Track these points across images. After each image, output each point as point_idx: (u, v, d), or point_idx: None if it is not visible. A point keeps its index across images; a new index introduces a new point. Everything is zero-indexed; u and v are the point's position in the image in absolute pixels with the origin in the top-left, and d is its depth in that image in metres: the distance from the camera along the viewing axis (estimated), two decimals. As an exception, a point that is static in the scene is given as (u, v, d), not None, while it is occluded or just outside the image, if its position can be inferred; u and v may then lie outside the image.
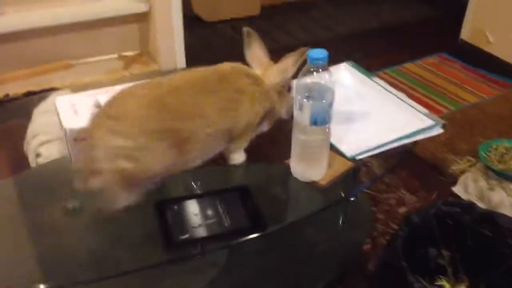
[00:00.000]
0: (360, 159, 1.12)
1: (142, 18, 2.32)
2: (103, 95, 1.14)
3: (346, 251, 1.45)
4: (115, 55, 2.39)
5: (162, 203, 1.00)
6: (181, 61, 2.37)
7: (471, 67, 2.53)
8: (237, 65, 1.09)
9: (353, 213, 1.55)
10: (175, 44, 2.32)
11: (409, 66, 2.56)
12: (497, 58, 2.43)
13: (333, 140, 1.15)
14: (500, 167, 1.80)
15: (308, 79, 0.96)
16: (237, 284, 1.27)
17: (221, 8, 3.02)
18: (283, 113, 1.13)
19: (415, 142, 1.19)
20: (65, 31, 2.22)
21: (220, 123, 1.00)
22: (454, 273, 1.24)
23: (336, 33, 2.95)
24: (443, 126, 1.21)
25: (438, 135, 2.05)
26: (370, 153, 1.13)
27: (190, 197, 1.02)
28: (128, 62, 2.35)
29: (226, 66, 1.07)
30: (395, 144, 1.16)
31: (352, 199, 1.50)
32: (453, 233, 1.20)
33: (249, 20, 3.06)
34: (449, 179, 1.88)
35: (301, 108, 0.98)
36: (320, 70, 0.95)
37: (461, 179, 1.84)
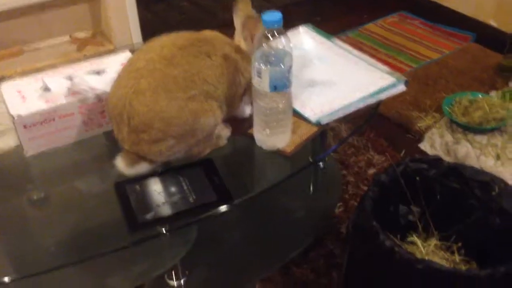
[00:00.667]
0: (325, 123, 1.10)
1: (91, -3, 2.23)
2: (50, 77, 1.09)
3: (319, 216, 1.46)
4: (68, 38, 2.30)
5: (122, 184, 0.97)
6: (137, 39, 2.29)
7: (430, 23, 2.52)
8: (217, 33, 1.09)
9: (324, 178, 1.55)
10: (129, 21, 2.24)
11: (370, 27, 2.54)
12: (456, 12, 2.43)
13: (296, 105, 1.13)
14: (464, 120, 1.82)
15: (264, 44, 0.93)
16: (215, 257, 1.26)
17: (176, -19, 2.94)
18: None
19: (379, 101, 1.17)
20: (13, 15, 2.11)
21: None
22: (425, 228, 1.25)
23: (292, -1, 2.91)
24: (406, 83, 1.20)
25: (403, 94, 2.04)
26: (334, 116, 1.11)
27: (152, 175, 0.98)
28: (82, 43, 2.26)
29: (208, 32, 1.07)
30: (359, 105, 1.14)
31: (320, 164, 1.50)
32: (421, 189, 1.21)
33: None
34: (416, 137, 1.88)
35: (259, 74, 0.94)
36: (276, 33, 0.92)
37: (427, 136, 1.85)
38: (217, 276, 1.22)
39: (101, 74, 1.10)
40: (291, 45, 0.95)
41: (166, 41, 1.01)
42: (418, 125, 1.91)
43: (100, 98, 1.07)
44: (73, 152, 1.08)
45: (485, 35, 2.33)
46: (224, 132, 1.07)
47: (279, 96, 0.97)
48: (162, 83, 0.93)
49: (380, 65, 1.25)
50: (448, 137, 1.81)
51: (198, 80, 0.96)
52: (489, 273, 0.95)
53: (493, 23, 2.30)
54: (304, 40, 1.34)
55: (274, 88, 0.95)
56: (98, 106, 1.07)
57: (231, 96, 1.05)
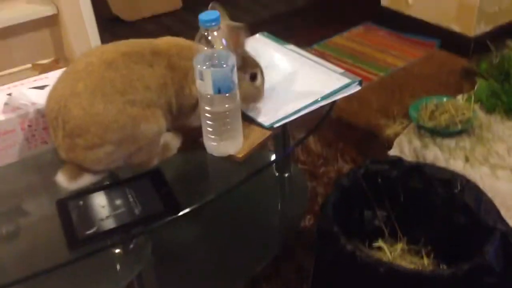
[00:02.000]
0: (279, 126, 1.07)
1: (51, 22, 2.19)
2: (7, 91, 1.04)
3: (287, 226, 1.41)
4: (29, 65, 2.26)
5: (65, 201, 0.92)
6: (101, 62, 2.26)
7: (395, 32, 2.53)
8: (176, 40, 1.05)
9: (290, 189, 1.51)
10: (91, 45, 2.21)
11: (336, 39, 2.54)
12: (419, 19, 2.44)
13: (250, 112, 1.10)
14: (430, 124, 1.80)
15: (204, 46, 0.90)
16: (178, 274, 1.21)
17: (141, 7, 2.93)
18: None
19: (334, 103, 1.15)
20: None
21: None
22: (392, 232, 1.21)
23: (261, 17, 2.90)
24: (360, 83, 1.18)
25: (370, 102, 2.05)
26: (288, 119, 1.08)
27: (96, 189, 0.94)
28: (44, 70, 2.21)
29: (165, 39, 1.05)
30: (314, 107, 1.11)
31: (285, 175, 1.46)
32: (385, 191, 1.17)
33: (172, 14, 2.98)
34: (386, 144, 1.86)
35: (201, 77, 0.91)
36: (215, 33, 0.89)
37: (396, 142, 1.82)
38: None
39: (44, 88, 1.06)
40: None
41: (110, 47, 0.98)
42: (387, 132, 1.89)
43: (42, 113, 1.02)
44: (16, 170, 1.03)
45: (450, 40, 2.34)
46: (174, 141, 1.03)
47: (224, 98, 0.93)
48: (100, 86, 0.89)
49: (334, 67, 1.22)
50: (416, 143, 1.79)
51: (139, 86, 0.93)
52: (452, 272, 0.91)
53: (455, 28, 2.31)
54: (259, 47, 1.31)
55: (218, 90, 0.92)
56: (41, 122, 1.03)
57: (178, 105, 1.01)
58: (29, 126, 1.02)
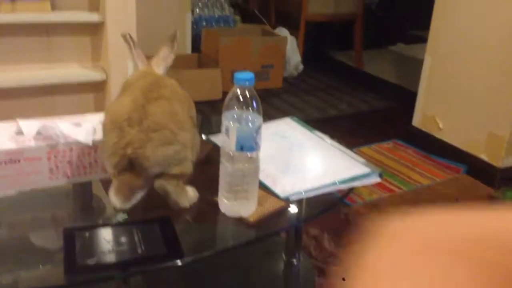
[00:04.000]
0: (294, 200, 1.07)
1: (99, 88, 2.33)
2: (25, 122, 1.10)
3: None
4: (69, 123, 2.36)
5: (72, 230, 0.92)
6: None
7: (423, 152, 2.57)
8: (145, 72, 1.10)
9: (295, 277, 1.47)
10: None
11: (364, 149, 2.59)
12: (448, 144, 2.48)
13: (268, 182, 1.11)
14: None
15: (235, 106, 0.94)
16: None
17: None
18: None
19: (351, 188, 1.15)
20: (19, 95, 2.20)
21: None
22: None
23: (295, 119, 3.00)
24: (381, 176, 1.19)
25: (390, 212, 2.04)
26: (304, 195, 1.09)
27: (105, 225, 0.94)
28: (81, 130, 2.31)
29: (138, 74, 1.09)
30: (331, 188, 1.12)
31: (293, 261, 1.43)
32: None
33: (212, 104, 3.12)
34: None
35: (227, 132, 0.95)
36: (247, 92, 0.93)
37: (412, 254, 1.78)
38: None
39: (77, 126, 1.11)
40: (260, 107, 0.96)
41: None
42: (403, 243, 1.85)
43: (71, 148, 1.06)
44: (33, 197, 1.05)
45: (477, 168, 2.35)
46: (193, 194, 1.04)
47: (245, 157, 0.96)
48: (174, 94, 1.00)
49: (357, 156, 1.25)
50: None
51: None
52: None
53: (484, 157, 2.33)
54: (287, 128, 1.36)
55: (241, 148, 0.94)
56: (68, 155, 1.07)
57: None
58: (55, 157, 1.06)
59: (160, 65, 1.09)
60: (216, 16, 3.78)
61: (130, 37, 1.09)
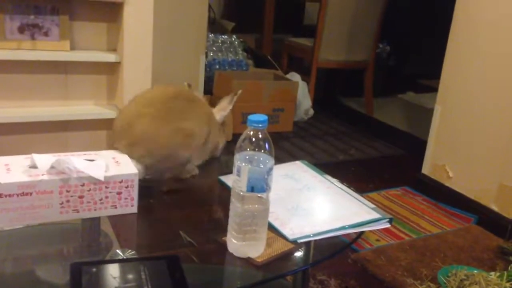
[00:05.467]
0: (303, 242, 1.07)
1: (111, 124, 2.35)
2: (39, 156, 1.11)
3: None
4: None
5: (79, 265, 0.92)
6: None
7: (433, 200, 2.55)
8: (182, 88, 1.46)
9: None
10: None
11: (374, 195, 2.58)
12: (458, 193, 2.46)
13: (277, 224, 1.11)
14: (459, 292, 1.73)
15: (247, 147, 0.96)
16: None
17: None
18: (220, 147, 1.50)
19: (361, 233, 1.15)
20: (33, 130, 2.23)
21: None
22: None
23: (304, 163, 3.01)
24: (390, 221, 1.18)
25: (400, 260, 2.01)
26: (313, 238, 1.08)
27: (113, 261, 0.94)
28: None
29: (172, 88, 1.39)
30: (340, 232, 1.12)
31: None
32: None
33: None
34: (409, 304, 1.78)
35: (238, 172, 0.95)
36: (260, 134, 0.95)
37: (421, 304, 1.74)
38: None
39: (90, 161, 1.13)
40: (272, 149, 0.97)
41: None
42: (412, 292, 1.82)
43: (83, 183, 1.07)
44: (41, 231, 1.06)
45: (487, 218, 2.33)
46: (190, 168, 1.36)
47: (256, 198, 0.96)
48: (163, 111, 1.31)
49: (367, 201, 1.25)
50: (442, 308, 1.71)
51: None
52: None
53: (494, 207, 2.31)
54: (298, 171, 1.37)
55: (252, 189, 0.95)
56: (79, 190, 1.08)
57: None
58: (67, 191, 1.07)
59: (218, 113, 1.44)
60: (230, 59, 3.85)
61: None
